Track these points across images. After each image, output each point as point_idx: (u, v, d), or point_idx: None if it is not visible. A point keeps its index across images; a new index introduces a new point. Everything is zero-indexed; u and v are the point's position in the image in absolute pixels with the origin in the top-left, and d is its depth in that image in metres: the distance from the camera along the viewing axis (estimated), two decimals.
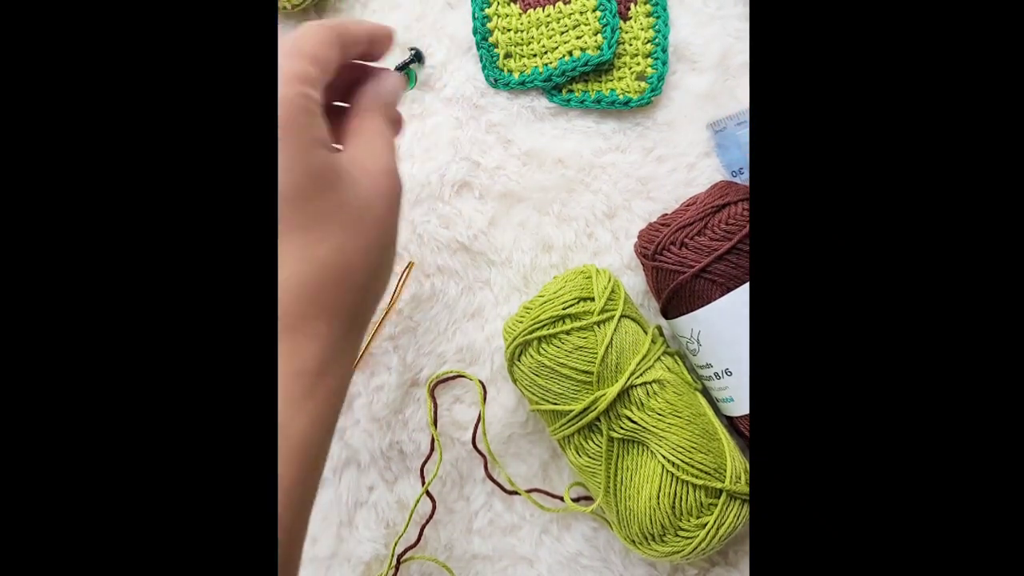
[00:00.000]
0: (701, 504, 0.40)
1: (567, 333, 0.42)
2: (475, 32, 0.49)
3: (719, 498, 0.40)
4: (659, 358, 0.43)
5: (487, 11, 0.49)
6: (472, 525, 0.48)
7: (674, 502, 0.40)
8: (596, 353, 0.41)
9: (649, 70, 0.49)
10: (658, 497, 0.40)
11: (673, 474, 0.40)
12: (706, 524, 0.40)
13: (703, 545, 0.40)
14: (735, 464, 0.41)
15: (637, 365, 0.41)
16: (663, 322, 0.47)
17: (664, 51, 0.49)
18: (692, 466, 0.40)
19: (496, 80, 0.49)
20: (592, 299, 0.43)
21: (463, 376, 0.49)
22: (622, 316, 0.43)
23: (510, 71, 0.50)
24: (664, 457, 0.40)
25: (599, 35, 0.48)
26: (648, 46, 0.50)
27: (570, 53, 0.49)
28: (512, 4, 0.49)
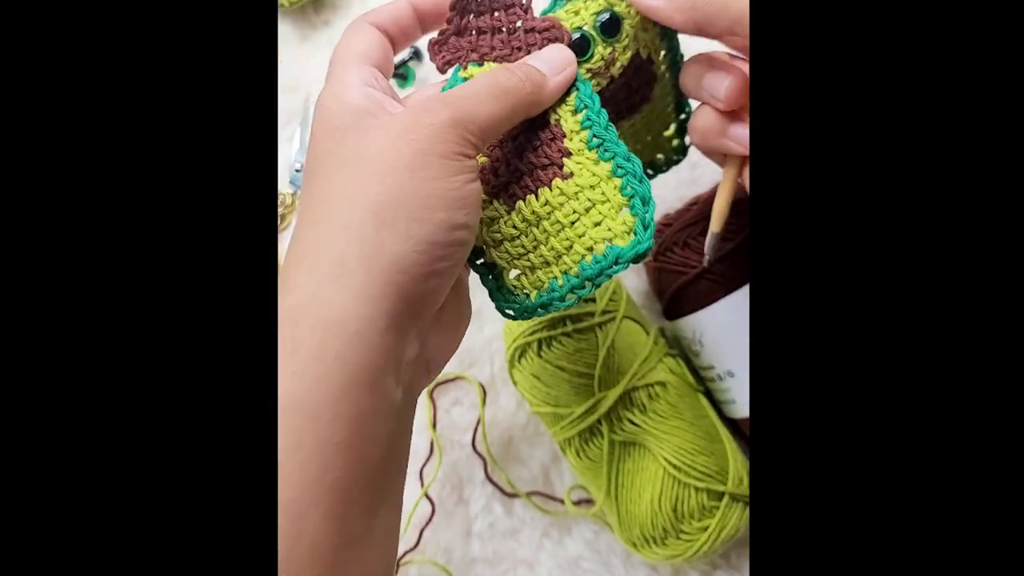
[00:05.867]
0: (703, 507, 0.40)
1: (568, 335, 0.42)
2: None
3: (721, 501, 0.40)
4: (661, 360, 0.43)
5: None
6: (472, 528, 0.48)
7: (676, 505, 0.40)
8: (597, 355, 0.41)
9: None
10: (660, 500, 0.40)
11: (675, 477, 0.40)
12: (708, 527, 0.40)
13: (705, 548, 0.40)
14: (737, 467, 0.41)
15: (639, 367, 0.41)
16: (665, 323, 0.46)
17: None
18: (694, 469, 0.40)
19: (516, 311, 0.33)
20: (593, 300, 0.42)
21: (463, 378, 0.49)
22: (624, 317, 0.42)
23: (525, 292, 0.33)
24: (666, 460, 0.40)
25: (626, 213, 0.31)
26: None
27: (590, 250, 0.31)
28: (494, 202, 0.32)
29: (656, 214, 0.32)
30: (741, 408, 0.43)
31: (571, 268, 0.32)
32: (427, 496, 0.47)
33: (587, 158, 0.32)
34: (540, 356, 0.42)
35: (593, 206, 0.31)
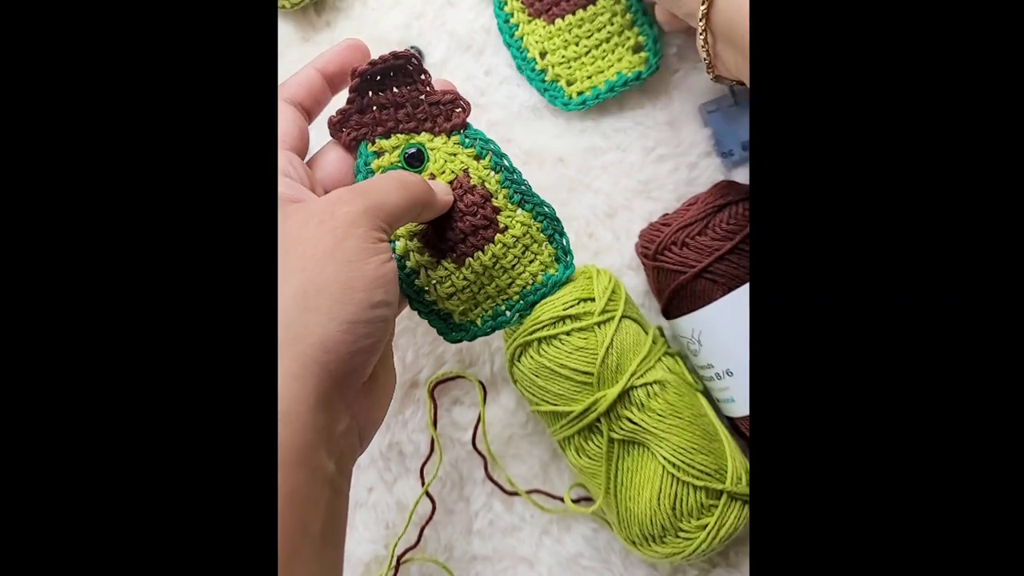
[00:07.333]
0: (702, 505, 0.40)
1: (567, 334, 0.42)
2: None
3: (720, 499, 0.40)
4: (660, 359, 0.43)
5: (416, 283, 0.39)
6: (472, 526, 0.48)
7: (675, 503, 0.40)
8: (596, 354, 0.41)
9: (641, 38, 0.49)
10: (659, 498, 0.40)
11: (674, 475, 0.40)
12: (707, 525, 0.40)
13: (704, 546, 0.40)
14: (736, 465, 0.41)
15: (638, 366, 0.41)
16: (664, 322, 0.46)
17: (644, 13, 0.48)
18: (693, 467, 0.40)
19: (465, 337, 0.41)
20: (592, 299, 0.43)
21: (463, 377, 0.49)
22: (623, 316, 0.42)
23: (470, 321, 0.41)
24: (665, 458, 0.40)
25: (548, 246, 0.41)
26: (628, 16, 0.48)
27: (528, 283, 0.41)
28: (442, 262, 0.39)
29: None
30: (740, 407, 0.43)
31: (512, 297, 0.40)
32: (428, 494, 0.48)
33: (512, 210, 0.39)
34: (540, 355, 0.42)
35: (527, 248, 0.40)
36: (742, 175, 0.48)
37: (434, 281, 0.39)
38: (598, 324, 0.42)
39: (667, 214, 0.46)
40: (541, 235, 0.40)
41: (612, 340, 0.41)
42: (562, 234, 0.40)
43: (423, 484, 0.48)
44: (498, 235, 0.39)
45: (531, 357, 0.42)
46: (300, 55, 0.54)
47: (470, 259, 0.38)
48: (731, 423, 0.45)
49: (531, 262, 0.40)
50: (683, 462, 0.40)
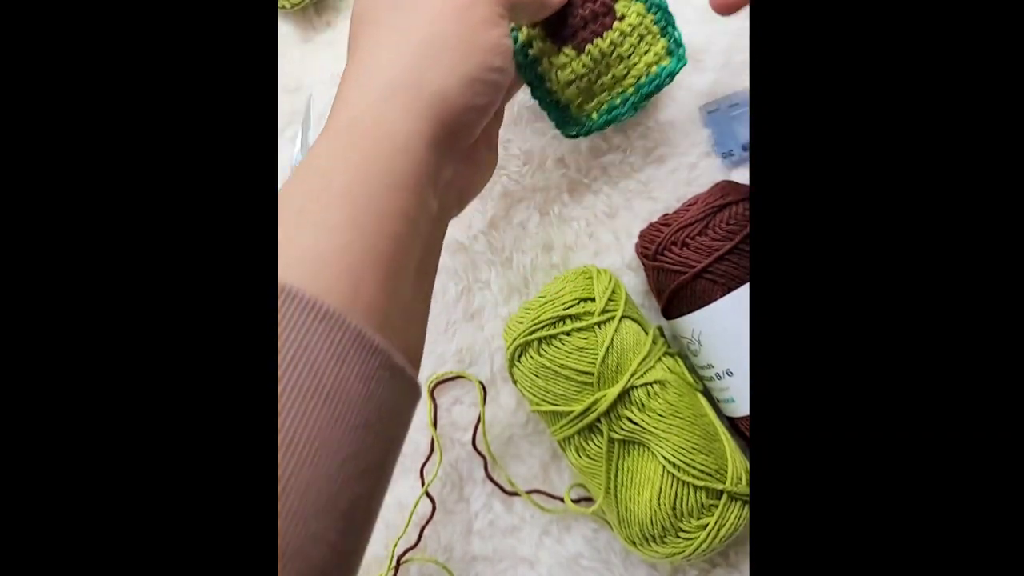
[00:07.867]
0: (702, 505, 0.40)
1: (567, 334, 0.42)
2: (534, 95, 0.42)
3: (720, 499, 0.40)
4: (660, 359, 0.43)
5: (539, 70, 0.40)
6: (472, 526, 0.48)
7: (675, 503, 0.40)
8: (597, 354, 0.41)
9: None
10: (659, 498, 0.40)
11: (674, 475, 0.40)
12: (707, 525, 0.40)
13: (704, 546, 0.40)
14: (736, 465, 0.41)
15: (638, 366, 0.41)
16: (664, 322, 0.46)
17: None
18: (693, 467, 0.40)
19: (579, 131, 0.42)
20: (593, 299, 0.43)
21: (463, 377, 0.49)
22: (623, 316, 0.43)
23: (586, 115, 0.42)
24: (665, 458, 0.40)
25: (661, 40, 0.41)
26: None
27: (643, 73, 0.41)
28: (563, 49, 0.40)
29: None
30: (740, 407, 0.43)
31: (627, 90, 0.41)
32: (428, 494, 0.48)
33: (628, 1, 0.40)
34: (540, 355, 0.42)
35: (642, 38, 0.41)
36: (742, 175, 0.48)
37: (556, 68, 0.40)
38: (598, 324, 0.42)
39: (667, 214, 0.46)
40: (655, 27, 0.41)
41: (612, 340, 0.41)
42: (674, 27, 0.41)
43: (423, 484, 0.48)
44: (616, 23, 0.40)
45: (531, 357, 0.42)
46: (300, 55, 0.54)
47: (589, 46, 0.40)
48: (731, 423, 0.45)
49: (646, 52, 0.41)
50: (683, 462, 0.40)
